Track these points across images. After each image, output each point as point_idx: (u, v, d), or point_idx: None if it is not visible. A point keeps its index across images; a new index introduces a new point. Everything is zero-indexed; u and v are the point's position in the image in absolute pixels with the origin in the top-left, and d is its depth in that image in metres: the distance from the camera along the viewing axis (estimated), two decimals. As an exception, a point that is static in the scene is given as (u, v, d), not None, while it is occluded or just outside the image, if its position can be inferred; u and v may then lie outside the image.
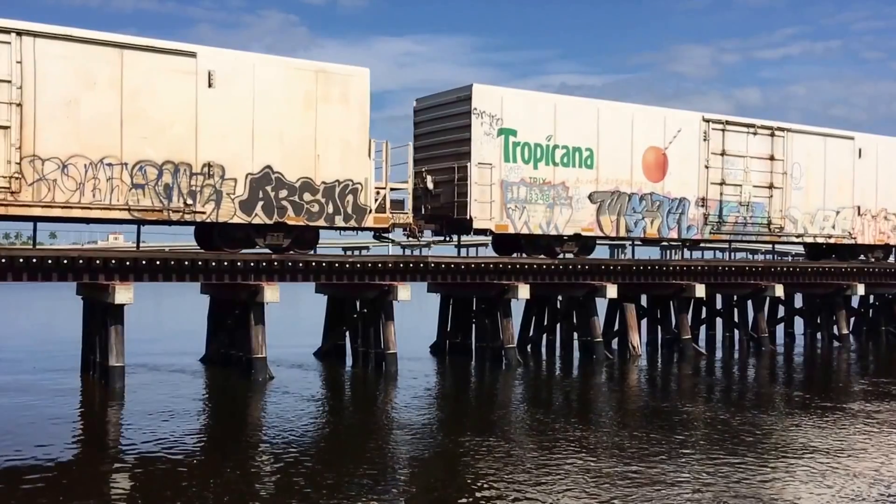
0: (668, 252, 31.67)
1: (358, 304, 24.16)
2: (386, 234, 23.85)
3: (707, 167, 27.81)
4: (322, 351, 25.56)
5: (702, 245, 31.49)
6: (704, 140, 27.70)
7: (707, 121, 27.90)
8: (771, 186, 29.19)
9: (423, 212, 24.31)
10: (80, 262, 19.05)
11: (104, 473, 12.75)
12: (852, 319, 33.83)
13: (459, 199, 23.88)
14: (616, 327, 28.27)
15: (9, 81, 18.04)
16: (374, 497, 11.42)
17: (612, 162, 26.00)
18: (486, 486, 12.00)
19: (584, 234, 25.73)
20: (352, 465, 13.03)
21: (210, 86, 20.17)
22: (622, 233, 26.61)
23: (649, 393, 21.43)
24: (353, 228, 22.60)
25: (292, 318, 38.66)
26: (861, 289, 30.80)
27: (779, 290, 28.99)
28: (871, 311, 34.64)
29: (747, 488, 11.98)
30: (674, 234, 27.52)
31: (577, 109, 25.57)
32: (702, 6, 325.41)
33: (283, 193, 21.11)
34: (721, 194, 28.15)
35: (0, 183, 17.99)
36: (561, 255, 25.67)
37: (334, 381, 22.87)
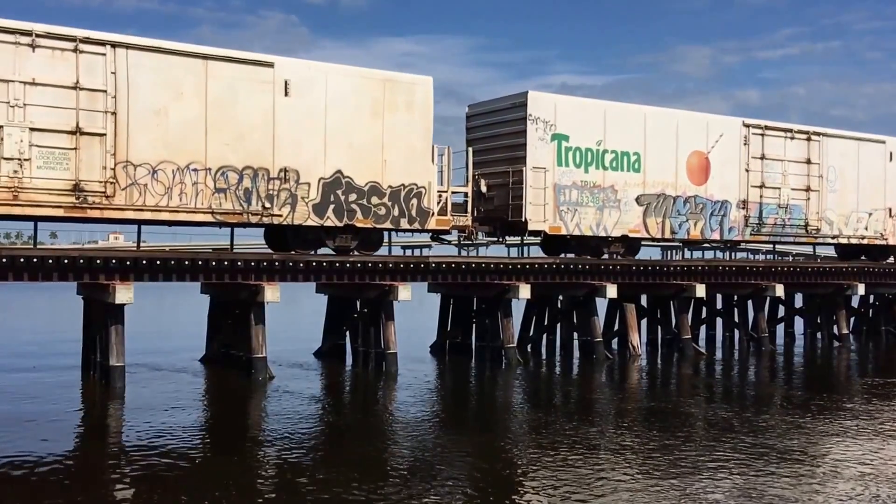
0: (668, 252, 32.10)
1: (358, 303, 24.17)
2: (444, 236, 24.97)
3: (747, 171, 28.64)
4: (322, 351, 25.57)
5: (742, 246, 32.18)
6: (745, 144, 28.56)
7: (747, 126, 28.72)
8: (808, 189, 30.01)
9: (476, 214, 24.82)
10: (81, 261, 19.06)
11: (105, 473, 12.76)
12: (852, 319, 33.84)
13: (514, 202, 24.72)
14: (616, 327, 28.27)
15: (104, 91, 18.98)
16: (375, 497, 11.43)
17: (658, 166, 26.88)
18: (486, 486, 12.02)
19: (631, 235, 26.59)
20: (352, 465, 13.04)
21: (286, 94, 21.05)
22: (667, 234, 27.50)
23: (649, 393, 21.44)
24: (416, 230, 23.58)
25: (292, 318, 38.66)
26: (861, 289, 30.82)
27: (779, 290, 29.00)
28: (871, 310, 34.65)
29: (748, 488, 12.00)
30: (716, 236, 28.42)
31: (625, 115, 26.49)
32: (702, 7, 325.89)
33: (353, 197, 21.99)
34: (761, 197, 28.98)
35: (96, 187, 18.93)
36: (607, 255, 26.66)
37: (334, 381, 22.88)
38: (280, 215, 21.08)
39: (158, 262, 19.87)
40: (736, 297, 30.44)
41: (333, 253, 22.21)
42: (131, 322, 20.38)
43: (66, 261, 18.88)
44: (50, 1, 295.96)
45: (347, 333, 25.04)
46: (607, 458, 13.64)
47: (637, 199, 26.49)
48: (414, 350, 26.24)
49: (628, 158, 26.32)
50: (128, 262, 19.49)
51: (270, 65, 20.96)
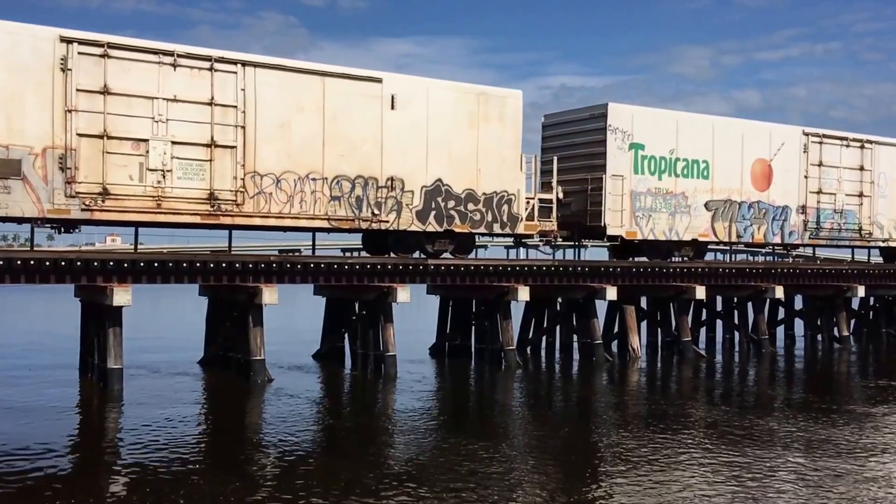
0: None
1: (357, 305, 24.10)
2: (527, 240, 26.22)
3: (806, 177, 30.16)
4: (321, 353, 25.50)
5: (800, 250, 33.65)
6: (804, 152, 30.12)
7: (807, 134, 30.30)
8: (860, 195, 31.47)
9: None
10: (79, 264, 18.97)
11: (102, 476, 12.74)
12: (852, 321, 33.80)
13: (592, 208, 26.06)
14: (616, 329, 28.23)
15: (235, 107, 20.49)
16: (373, 500, 11.38)
17: (725, 173, 28.38)
18: (487, 487, 11.97)
19: (700, 239, 28.09)
20: (350, 467, 13.00)
21: (393, 108, 22.49)
22: (733, 238, 28.99)
23: (649, 395, 21.39)
24: (507, 235, 25.24)
25: (291, 320, 38.60)
26: (861, 290, 30.82)
27: (779, 292, 28.99)
28: (871, 312, 34.63)
29: (749, 488, 11.95)
30: (777, 240, 29.99)
31: (695, 125, 27.93)
32: (702, 8, 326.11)
33: (451, 204, 23.47)
34: (818, 202, 30.52)
35: (228, 196, 20.41)
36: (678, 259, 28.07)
37: (333, 384, 22.82)
38: (387, 221, 22.51)
39: (156, 264, 19.80)
40: (736, 299, 30.38)
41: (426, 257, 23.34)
42: (129, 324, 20.31)
43: (63, 263, 18.80)
44: (48, 2, 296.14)
45: (346, 335, 24.98)
46: (608, 459, 13.60)
47: (706, 205, 27.92)
48: (413, 352, 26.19)
49: (698, 166, 27.79)
50: (126, 265, 19.42)
51: (379, 80, 22.38)
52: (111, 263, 19.27)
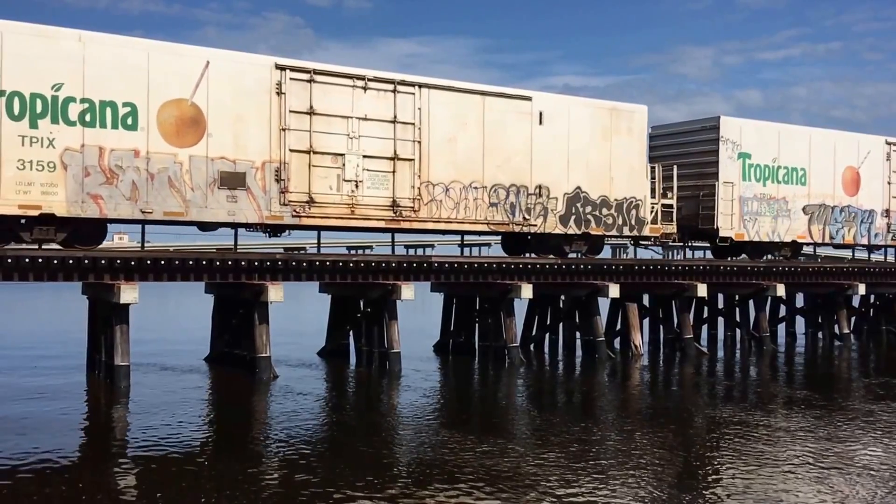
0: (671, 252, 32.97)
1: (362, 303, 24.27)
2: (645, 241, 28.70)
3: (889, 183, 32.90)
4: (326, 350, 25.68)
5: (883, 249, 35.45)
6: (887, 160, 32.83)
7: (889, 143, 32.90)
8: None
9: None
10: (86, 262, 19.13)
11: (109, 472, 12.86)
12: (853, 319, 33.88)
13: (704, 212, 28.60)
14: (618, 327, 28.37)
15: (413, 124, 22.98)
16: (378, 497, 11.51)
17: (820, 179, 30.99)
18: (489, 485, 12.10)
19: (798, 241, 30.84)
20: (355, 464, 13.12)
21: (540, 123, 25.00)
22: (826, 240, 31.60)
23: (651, 392, 21.55)
24: (634, 237, 27.71)
25: (296, 317, 38.77)
26: (862, 288, 30.93)
27: (780, 290, 29.10)
28: (871, 310, 34.71)
29: (751, 487, 12.09)
30: (864, 241, 32.62)
31: (794, 135, 30.60)
32: (703, 8, 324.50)
33: (588, 209, 25.88)
34: None
35: (407, 203, 22.87)
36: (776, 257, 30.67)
37: (338, 381, 22.97)
38: (535, 224, 24.98)
39: (163, 262, 19.97)
40: (737, 297, 30.52)
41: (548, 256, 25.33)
42: (136, 322, 20.48)
43: (71, 261, 18.98)
44: (55, 2, 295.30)
45: (351, 333, 25.15)
46: (611, 455, 13.73)
47: (803, 209, 30.53)
48: (417, 349, 26.35)
49: (797, 173, 30.36)
50: (132, 263, 19.59)
51: (529, 99, 25.00)
52: (118, 261, 19.44)
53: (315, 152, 21.61)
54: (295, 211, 21.38)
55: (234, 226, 21.42)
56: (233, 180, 20.49)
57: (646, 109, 27.28)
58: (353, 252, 41.90)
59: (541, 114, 24.96)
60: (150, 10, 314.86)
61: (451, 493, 11.65)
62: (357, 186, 22.18)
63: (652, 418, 17.15)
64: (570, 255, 25.93)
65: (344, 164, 21.94)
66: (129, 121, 19.41)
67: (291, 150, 21.29)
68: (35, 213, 18.61)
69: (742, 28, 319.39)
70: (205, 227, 21.29)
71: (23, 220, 18.84)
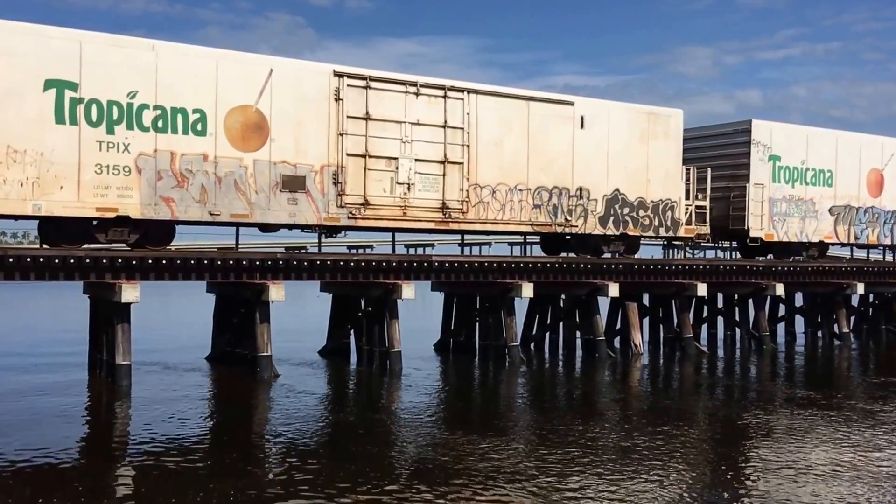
0: (670, 252, 33.02)
1: (362, 302, 24.33)
2: (678, 241, 29.35)
3: None
4: (327, 349, 25.73)
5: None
6: None
7: None
8: None
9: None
10: (87, 261, 19.15)
11: (110, 471, 12.89)
12: (852, 318, 33.95)
13: (735, 213, 29.23)
14: (618, 326, 28.42)
15: (462, 129, 23.58)
16: (379, 496, 11.55)
17: (846, 181, 31.63)
18: (490, 484, 12.14)
19: (825, 241, 31.36)
20: (356, 463, 13.16)
21: (581, 127, 25.53)
22: (851, 240, 32.19)
23: (651, 391, 21.60)
24: (669, 238, 28.30)
25: (297, 316, 38.80)
26: (861, 288, 31.02)
27: (779, 289, 29.16)
28: (871, 309, 34.79)
29: (751, 487, 12.14)
30: (887, 241, 33.38)
31: (821, 138, 31.15)
32: (703, 8, 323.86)
33: (626, 210, 26.48)
34: None
35: (456, 205, 23.54)
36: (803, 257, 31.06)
37: (339, 380, 23.03)
38: (576, 226, 25.58)
39: (164, 262, 20.01)
40: (737, 296, 30.58)
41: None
42: (137, 321, 20.53)
43: (72, 260, 19.01)
44: (58, 2, 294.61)
45: (352, 332, 25.21)
46: (611, 454, 13.78)
47: (830, 210, 31.13)
48: (418, 348, 26.39)
49: (824, 175, 30.97)
50: (134, 262, 19.62)
51: (571, 104, 25.57)
52: (120, 261, 19.47)
53: (370, 156, 22.20)
54: (351, 213, 21.99)
55: (294, 227, 22.01)
56: (293, 183, 21.12)
57: (681, 114, 27.79)
58: (353, 251, 41.94)
59: (582, 118, 25.51)
60: (153, 10, 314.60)
61: (451, 492, 11.68)
62: (409, 189, 22.79)
63: (652, 418, 17.20)
64: (606, 255, 26.51)
65: (397, 168, 22.57)
66: (199, 126, 20.03)
67: (348, 154, 21.88)
68: (112, 215, 19.20)
69: (742, 28, 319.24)
70: (267, 228, 21.84)
71: (95, 222, 19.35)
